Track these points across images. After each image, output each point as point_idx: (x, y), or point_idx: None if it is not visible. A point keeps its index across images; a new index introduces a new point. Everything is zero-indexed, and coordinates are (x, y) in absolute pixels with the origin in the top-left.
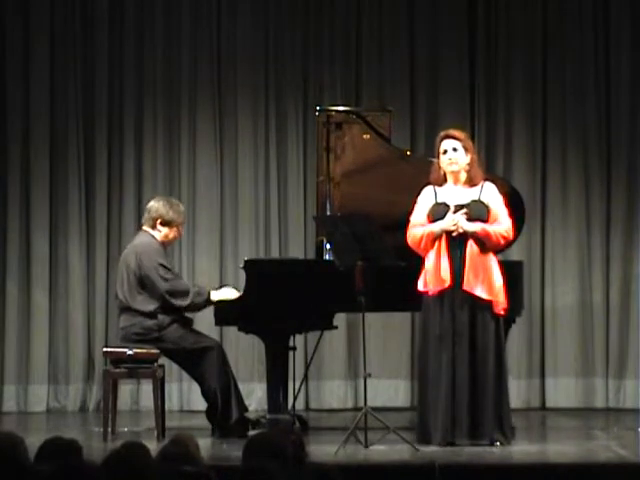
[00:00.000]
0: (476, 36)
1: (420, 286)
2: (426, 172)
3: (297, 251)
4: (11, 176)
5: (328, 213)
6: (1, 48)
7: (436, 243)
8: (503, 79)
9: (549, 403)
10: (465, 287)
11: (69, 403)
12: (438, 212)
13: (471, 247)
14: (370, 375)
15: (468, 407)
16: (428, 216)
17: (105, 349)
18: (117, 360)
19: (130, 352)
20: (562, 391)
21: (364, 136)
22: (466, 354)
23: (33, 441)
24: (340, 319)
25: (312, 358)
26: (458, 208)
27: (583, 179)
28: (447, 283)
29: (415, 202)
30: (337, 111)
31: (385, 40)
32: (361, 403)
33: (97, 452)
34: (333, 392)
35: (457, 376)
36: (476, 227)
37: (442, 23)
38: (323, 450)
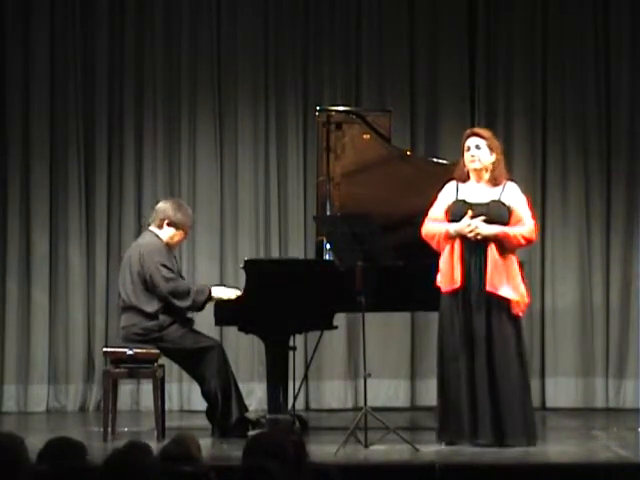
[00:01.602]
0: (476, 36)
1: (438, 282)
2: (426, 172)
3: (297, 251)
4: (11, 176)
5: (328, 213)
6: (1, 48)
7: (450, 242)
8: (503, 79)
9: (549, 403)
10: (489, 288)
11: (69, 403)
12: (456, 209)
13: (492, 250)
14: (370, 375)
15: (491, 408)
16: (446, 212)
17: (105, 349)
18: (117, 360)
19: (130, 352)
20: (562, 391)
21: (364, 136)
22: (484, 355)
23: (33, 441)
24: (340, 319)
25: (312, 358)
26: (475, 214)
27: (583, 179)
28: (457, 284)
29: (436, 197)
30: (337, 111)
31: (385, 40)
32: (361, 403)
33: (97, 452)
34: (333, 392)
35: (476, 377)
36: (495, 230)
37: (442, 23)
38: (323, 450)
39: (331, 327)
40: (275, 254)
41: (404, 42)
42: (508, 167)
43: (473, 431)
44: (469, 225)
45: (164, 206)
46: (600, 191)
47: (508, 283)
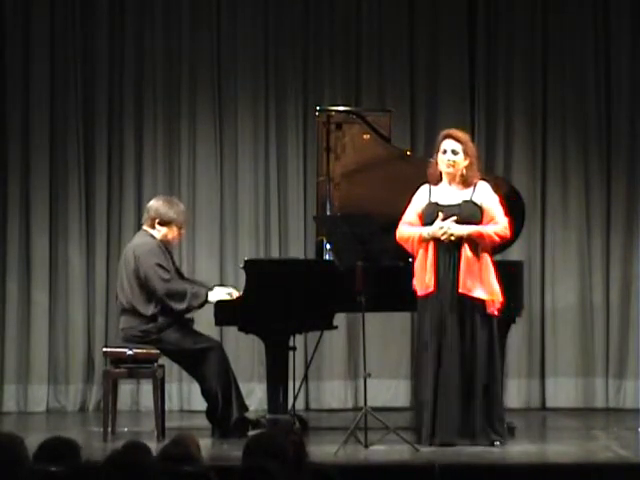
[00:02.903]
0: (476, 36)
1: (414, 284)
2: (426, 172)
3: (297, 251)
4: (11, 176)
5: (328, 213)
6: (1, 48)
7: (423, 245)
8: (503, 79)
9: (549, 403)
10: (461, 290)
11: (69, 403)
12: (429, 212)
13: (465, 251)
14: (370, 375)
15: (460, 408)
16: (420, 215)
17: (105, 349)
18: (117, 360)
19: (130, 352)
20: (562, 391)
21: (364, 136)
22: (456, 355)
23: (33, 441)
24: (340, 319)
25: (312, 358)
26: (447, 215)
27: (583, 179)
28: (430, 289)
29: (410, 200)
30: (337, 111)
31: (385, 40)
32: (361, 403)
33: (97, 452)
34: (333, 392)
35: (448, 377)
36: (468, 229)
37: (442, 23)
38: (323, 450)
39: (331, 327)
40: (275, 254)
41: (404, 42)
42: (508, 167)
43: (446, 432)
44: (441, 227)
45: (155, 205)
46: (600, 191)
47: (482, 284)
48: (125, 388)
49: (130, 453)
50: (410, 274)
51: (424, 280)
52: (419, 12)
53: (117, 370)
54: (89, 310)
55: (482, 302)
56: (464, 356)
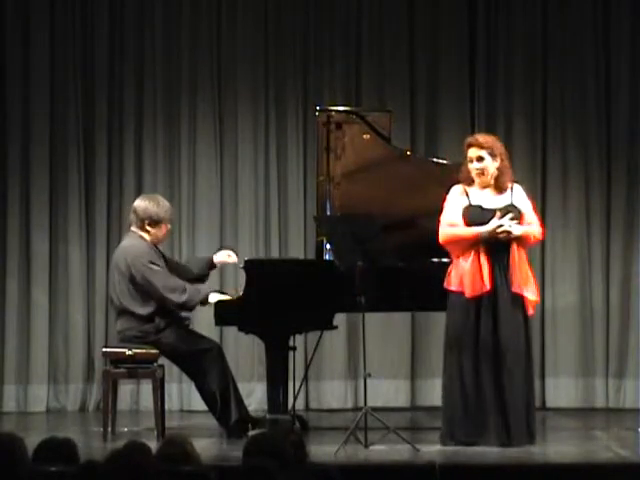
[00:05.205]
0: (476, 36)
1: (452, 286)
2: (426, 172)
3: (297, 251)
4: (11, 176)
5: (328, 213)
6: (1, 48)
7: (475, 246)
8: (503, 79)
9: (549, 403)
10: (515, 290)
11: (69, 403)
12: (475, 214)
13: (514, 251)
14: (370, 375)
15: (499, 408)
16: (463, 217)
17: (105, 349)
18: (117, 360)
19: (130, 352)
20: (562, 391)
21: (364, 136)
22: (507, 356)
23: (33, 441)
24: (340, 319)
25: (312, 358)
26: (504, 213)
27: (583, 179)
28: (487, 288)
29: (443, 199)
30: (337, 111)
31: (385, 40)
32: (361, 403)
33: (97, 452)
34: (333, 392)
35: (503, 378)
36: (521, 229)
37: (442, 23)
38: (323, 450)
39: (331, 327)
40: (275, 254)
41: (404, 42)
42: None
43: (498, 435)
44: (501, 226)
45: (142, 205)
46: (600, 191)
47: (529, 284)
48: (125, 388)
49: (130, 453)
50: (410, 274)
51: (479, 280)
52: (419, 12)
53: (117, 370)
54: (89, 310)
55: (524, 301)
56: (513, 356)
